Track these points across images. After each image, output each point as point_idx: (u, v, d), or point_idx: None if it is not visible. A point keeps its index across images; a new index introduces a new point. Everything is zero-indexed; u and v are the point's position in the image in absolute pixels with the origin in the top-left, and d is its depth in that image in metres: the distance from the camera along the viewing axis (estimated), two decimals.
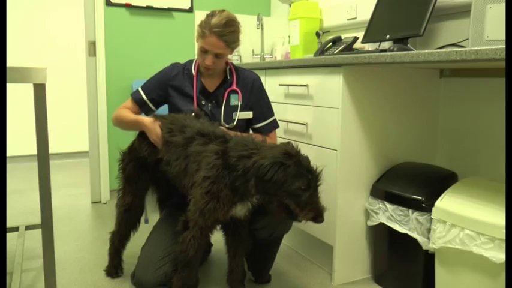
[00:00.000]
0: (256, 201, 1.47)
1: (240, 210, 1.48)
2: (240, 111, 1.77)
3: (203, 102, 1.75)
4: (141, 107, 1.79)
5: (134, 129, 1.79)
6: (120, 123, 1.79)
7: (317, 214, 1.33)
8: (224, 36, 1.61)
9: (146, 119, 1.70)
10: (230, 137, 1.49)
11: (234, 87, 1.77)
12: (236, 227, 1.59)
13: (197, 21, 1.76)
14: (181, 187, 1.58)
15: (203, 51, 1.67)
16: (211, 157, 1.42)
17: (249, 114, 1.79)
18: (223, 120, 1.74)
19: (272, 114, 1.86)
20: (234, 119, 1.76)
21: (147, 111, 1.81)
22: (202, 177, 1.40)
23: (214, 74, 1.76)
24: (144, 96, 1.78)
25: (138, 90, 1.81)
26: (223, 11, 1.66)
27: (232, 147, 1.41)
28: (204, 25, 1.64)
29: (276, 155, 1.32)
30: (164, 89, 1.78)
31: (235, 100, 1.77)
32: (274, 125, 1.87)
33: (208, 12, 1.68)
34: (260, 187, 1.32)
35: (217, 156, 1.41)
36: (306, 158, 1.38)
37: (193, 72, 1.77)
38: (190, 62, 1.82)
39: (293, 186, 1.30)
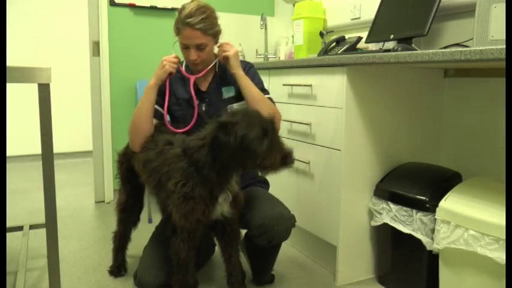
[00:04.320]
0: (236, 184, 1.49)
1: (222, 205, 1.47)
2: (235, 101, 1.71)
3: (197, 102, 1.69)
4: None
5: (148, 104, 1.64)
6: (133, 124, 1.65)
7: (285, 155, 1.38)
8: (197, 24, 1.54)
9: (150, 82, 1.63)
10: (186, 137, 1.52)
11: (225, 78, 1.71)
12: (224, 229, 1.58)
13: None
14: (161, 201, 1.56)
15: (184, 48, 1.62)
16: (175, 162, 1.44)
17: (243, 104, 1.70)
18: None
19: (267, 93, 1.75)
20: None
21: (161, 118, 1.71)
22: (174, 183, 1.42)
23: (203, 68, 1.67)
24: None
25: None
26: (193, 0, 1.61)
27: (189, 142, 1.44)
28: (177, 21, 1.59)
29: (223, 121, 1.36)
30: (163, 94, 1.69)
31: (228, 92, 1.72)
32: (271, 101, 1.74)
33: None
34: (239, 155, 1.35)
35: (180, 159, 1.43)
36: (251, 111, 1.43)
37: (184, 74, 1.71)
38: (181, 63, 1.75)
39: (253, 134, 1.32)
